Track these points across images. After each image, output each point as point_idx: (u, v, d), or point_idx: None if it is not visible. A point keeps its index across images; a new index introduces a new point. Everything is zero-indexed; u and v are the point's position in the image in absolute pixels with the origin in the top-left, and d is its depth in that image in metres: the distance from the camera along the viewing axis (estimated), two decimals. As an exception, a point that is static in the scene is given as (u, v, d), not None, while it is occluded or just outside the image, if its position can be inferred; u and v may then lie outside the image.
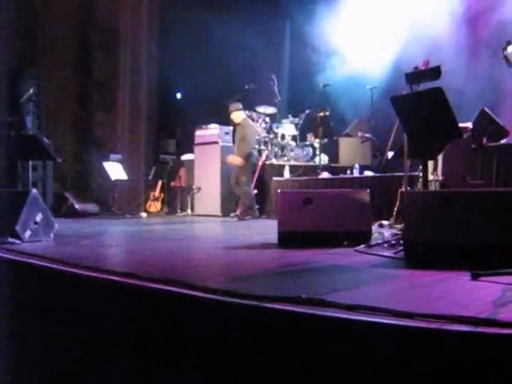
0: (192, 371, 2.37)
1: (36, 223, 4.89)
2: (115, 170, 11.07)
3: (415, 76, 4.45)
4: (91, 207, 10.63)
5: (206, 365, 2.31)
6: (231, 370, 2.22)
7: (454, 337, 1.73)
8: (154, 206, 11.18)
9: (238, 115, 9.54)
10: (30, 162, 6.67)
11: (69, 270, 3.16)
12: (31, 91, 9.40)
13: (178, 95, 14.18)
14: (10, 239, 4.64)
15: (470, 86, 9.18)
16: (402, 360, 1.78)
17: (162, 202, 11.55)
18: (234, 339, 2.21)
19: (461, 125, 5.91)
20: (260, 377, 2.12)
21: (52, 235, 5.09)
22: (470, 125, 6.61)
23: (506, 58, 7.10)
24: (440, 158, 6.16)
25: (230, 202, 10.21)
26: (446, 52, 9.44)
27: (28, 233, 4.79)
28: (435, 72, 4.31)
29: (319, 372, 1.95)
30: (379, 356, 1.84)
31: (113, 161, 11.35)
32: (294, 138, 11.19)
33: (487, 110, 6.91)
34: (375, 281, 2.92)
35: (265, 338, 2.11)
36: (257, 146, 10.67)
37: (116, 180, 11.06)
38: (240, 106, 9.60)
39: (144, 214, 10.80)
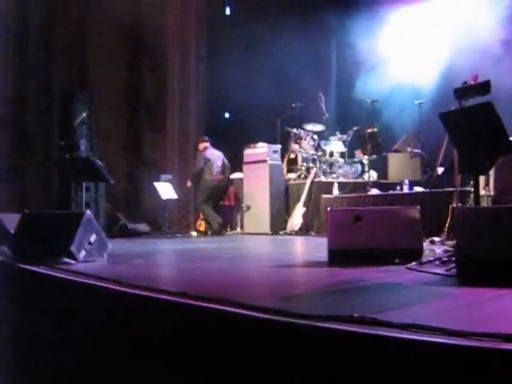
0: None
1: (90, 243, 5.00)
2: (166, 190, 11.25)
3: (464, 91, 4.41)
4: (142, 227, 10.80)
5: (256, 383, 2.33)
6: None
7: (510, 356, 1.71)
8: (203, 225, 11.27)
9: (201, 145, 11.24)
10: (84, 184, 6.83)
11: (123, 289, 3.22)
12: (84, 114, 9.64)
13: (227, 114, 14.31)
14: (66, 259, 4.75)
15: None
16: (456, 380, 1.76)
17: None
18: (285, 359, 2.22)
19: (512, 138, 5.83)
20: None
21: (105, 255, 5.19)
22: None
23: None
24: (492, 172, 6.06)
25: (279, 220, 10.25)
26: (497, 63, 9.31)
27: (83, 253, 4.90)
28: (484, 87, 4.27)
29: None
30: (433, 376, 1.82)
31: (163, 181, 11.54)
32: (342, 154, 11.16)
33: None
34: (427, 299, 2.88)
35: (316, 357, 2.11)
36: (305, 164, 10.72)
37: (167, 199, 11.23)
38: (205, 138, 11.42)
39: (194, 233, 10.91)
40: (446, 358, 1.82)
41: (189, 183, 11.36)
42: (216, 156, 11.16)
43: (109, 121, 11.94)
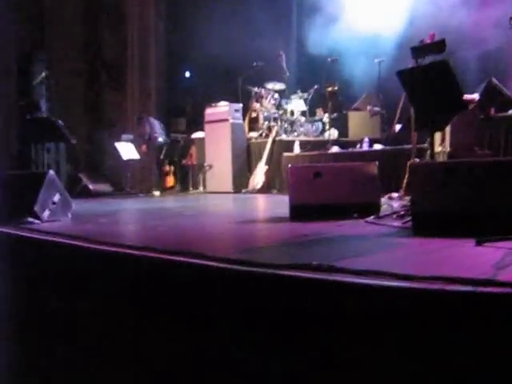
0: (204, 338, 2.50)
1: (54, 203, 5.01)
2: (127, 150, 11.22)
3: (420, 50, 4.52)
4: (104, 187, 10.79)
5: (217, 331, 2.44)
6: (242, 336, 2.34)
7: (455, 296, 1.84)
8: (169, 181, 11.36)
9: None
10: (45, 145, 6.80)
11: (89, 246, 3.29)
12: (43, 74, 9.52)
13: (187, 73, 14.22)
14: (30, 219, 4.77)
15: (478, 56, 9.20)
16: (406, 320, 1.90)
17: (175, 176, 11.68)
18: (245, 306, 2.34)
19: (467, 96, 5.99)
20: (270, 341, 2.24)
21: (70, 215, 5.22)
22: (476, 96, 6.65)
23: (512, 26, 7.11)
24: (448, 129, 6.22)
25: (241, 179, 10.33)
26: (453, 23, 9.42)
27: (47, 213, 4.92)
28: (440, 45, 4.38)
29: (329, 333, 2.07)
30: (385, 317, 1.95)
31: (124, 141, 11.49)
32: (303, 113, 11.24)
33: (495, 80, 6.94)
34: (382, 248, 3.03)
35: (275, 303, 2.23)
36: (266, 123, 10.78)
37: (128, 160, 11.20)
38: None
39: (157, 193, 10.93)
40: (397, 301, 1.95)
41: (144, 147, 11.62)
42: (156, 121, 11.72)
43: (68, 81, 11.78)
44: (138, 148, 11.48)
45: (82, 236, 3.59)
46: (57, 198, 5.05)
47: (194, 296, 2.58)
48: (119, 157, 11.18)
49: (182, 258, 2.65)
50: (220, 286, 2.45)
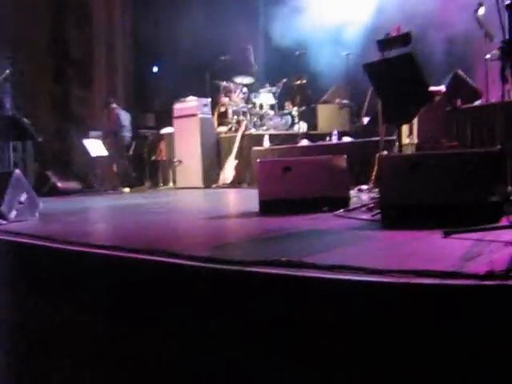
0: (175, 337, 2.50)
1: (21, 203, 4.95)
2: (95, 147, 11.11)
3: (386, 43, 4.55)
4: (73, 185, 10.67)
5: (188, 329, 2.44)
6: (214, 333, 2.34)
7: (423, 289, 1.86)
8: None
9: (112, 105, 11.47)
10: (11, 143, 6.70)
11: (56, 246, 3.25)
12: (7, 71, 9.35)
13: (155, 69, 14.13)
14: (-4, 219, 4.71)
15: (444, 48, 9.30)
16: (374, 313, 1.91)
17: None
18: (217, 304, 2.33)
19: (434, 88, 6.05)
20: (242, 338, 2.25)
21: (37, 214, 5.16)
22: (443, 88, 6.72)
23: (477, 19, 7.20)
24: (415, 121, 6.27)
25: (211, 174, 10.30)
26: (420, 15, 9.50)
27: (14, 213, 4.85)
28: (405, 38, 4.42)
29: (300, 329, 2.08)
30: (355, 311, 1.96)
31: (92, 137, 11.38)
32: (272, 107, 11.26)
33: (460, 72, 7.03)
34: (351, 242, 3.04)
35: (246, 300, 2.23)
36: (235, 117, 10.76)
37: (96, 157, 11.10)
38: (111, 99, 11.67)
39: (126, 190, 10.85)
40: (366, 295, 1.96)
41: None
42: (125, 114, 11.48)
43: (35, 78, 11.62)
44: (105, 142, 11.37)
45: (50, 236, 3.54)
46: (24, 197, 4.98)
47: (164, 295, 2.57)
48: (87, 153, 11.07)
49: (152, 257, 2.63)
50: (191, 284, 2.44)
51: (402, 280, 1.90)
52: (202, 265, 2.38)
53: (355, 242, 3.06)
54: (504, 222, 3.05)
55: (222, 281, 2.32)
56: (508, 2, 2.87)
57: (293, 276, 2.10)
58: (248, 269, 2.22)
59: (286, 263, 2.21)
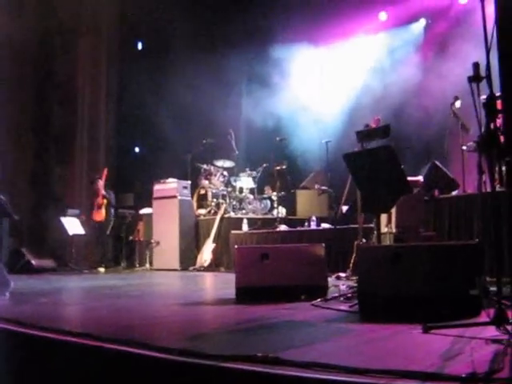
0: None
1: (-9, 282, 4.84)
2: (72, 225, 11.01)
3: (365, 134, 4.62)
4: (48, 263, 10.50)
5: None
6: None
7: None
8: (99, 215, 11.03)
9: (99, 182, 11.20)
10: (-14, 219, 6.61)
11: (25, 331, 3.14)
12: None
13: (136, 149, 14.25)
14: (-36, 299, 4.58)
15: (421, 139, 9.51)
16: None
17: (106, 209, 11.30)
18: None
19: (412, 178, 6.14)
20: None
21: (7, 294, 5.03)
22: (421, 178, 6.81)
23: (453, 112, 7.40)
24: (394, 210, 6.31)
25: (189, 256, 10.21)
26: (397, 106, 9.78)
27: (-18, 293, 4.73)
28: (384, 131, 4.49)
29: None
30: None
31: (70, 216, 11.30)
32: (251, 190, 11.31)
33: (438, 163, 7.14)
34: (330, 336, 2.97)
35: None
36: (215, 200, 10.78)
37: (73, 235, 10.99)
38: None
39: (102, 270, 10.68)
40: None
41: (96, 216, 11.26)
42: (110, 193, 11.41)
43: (15, 153, 11.62)
44: (83, 221, 11.24)
45: (17, 319, 3.42)
46: (-6, 276, 4.87)
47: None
48: (64, 232, 10.95)
49: (123, 347, 2.54)
50: (163, 377, 2.35)
51: (383, 382, 1.84)
52: (175, 358, 2.29)
53: (333, 336, 2.99)
54: (483, 316, 3.02)
55: (196, 376, 2.23)
56: (483, 101, 2.93)
57: (269, 374, 2.02)
58: (223, 364, 2.14)
59: (262, 359, 2.14)
